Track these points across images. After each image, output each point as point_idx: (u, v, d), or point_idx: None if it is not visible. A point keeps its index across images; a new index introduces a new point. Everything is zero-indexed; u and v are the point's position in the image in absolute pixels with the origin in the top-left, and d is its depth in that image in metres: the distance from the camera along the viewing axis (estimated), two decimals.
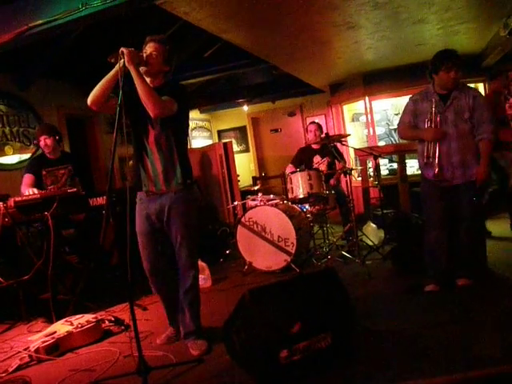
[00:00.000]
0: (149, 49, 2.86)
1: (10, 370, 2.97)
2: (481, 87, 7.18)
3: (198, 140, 9.54)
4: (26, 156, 5.73)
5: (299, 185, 4.83)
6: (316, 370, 2.45)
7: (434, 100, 3.46)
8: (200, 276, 4.16)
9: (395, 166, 6.52)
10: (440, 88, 3.49)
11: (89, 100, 2.80)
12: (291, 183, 4.92)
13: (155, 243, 3.02)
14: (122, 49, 2.63)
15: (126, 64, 2.63)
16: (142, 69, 2.77)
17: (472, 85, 7.17)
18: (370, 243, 5.10)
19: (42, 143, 4.46)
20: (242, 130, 10.09)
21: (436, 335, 2.76)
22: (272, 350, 2.36)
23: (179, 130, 3.02)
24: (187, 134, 3.15)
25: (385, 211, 5.57)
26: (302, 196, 4.83)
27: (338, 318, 2.60)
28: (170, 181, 2.94)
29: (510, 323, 2.84)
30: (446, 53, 3.45)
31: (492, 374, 2.22)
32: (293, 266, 4.63)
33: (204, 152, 7.11)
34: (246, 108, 9.53)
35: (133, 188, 3.05)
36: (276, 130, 9.83)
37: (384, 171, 7.34)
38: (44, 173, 4.44)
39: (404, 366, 2.43)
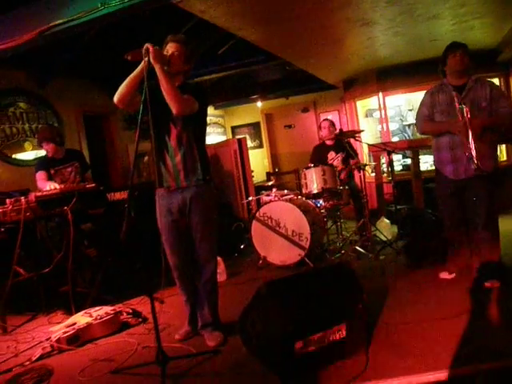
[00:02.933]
0: (170, 49, 2.91)
1: (33, 358, 3.09)
2: (496, 82, 7.14)
3: (212, 136, 9.61)
4: (42, 152, 5.83)
5: (313, 180, 4.87)
6: (330, 361, 2.50)
7: (448, 91, 3.48)
8: None
9: (409, 161, 6.52)
10: (452, 77, 3.52)
11: (115, 98, 2.85)
12: (305, 178, 4.96)
13: (180, 239, 3.07)
14: (148, 45, 2.68)
15: (152, 61, 2.67)
16: (164, 68, 2.81)
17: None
18: (384, 238, 5.13)
19: (44, 148, 4.59)
20: (255, 126, 10.13)
21: (448, 328, 2.80)
22: (287, 341, 2.42)
23: (199, 128, 3.10)
24: (205, 132, 3.21)
25: (398, 207, 5.59)
26: (316, 191, 4.87)
27: (352, 311, 2.65)
28: (191, 177, 3.00)
29: None
30: (450, 44, 3.56)
31: (501, 368, 2.27)
32: (307, 260, 4.68)
33: (218, 148, 7.17)
34: (259, 104, 9.57)
35: (153, 184, 3.11)
36: (289, 126, 9.86)
37: (398, 167, 7.35)
38: (52, 172, 4.56)
39: (416, 359, 2.47)
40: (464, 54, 3.44)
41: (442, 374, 2.30)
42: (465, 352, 2.46)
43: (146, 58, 2.67)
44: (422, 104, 3.70)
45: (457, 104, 3.39)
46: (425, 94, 3.70)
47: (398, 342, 2.72)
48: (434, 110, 3.59)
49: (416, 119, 3.79)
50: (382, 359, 2.52)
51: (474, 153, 3.29)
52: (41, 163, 4.64)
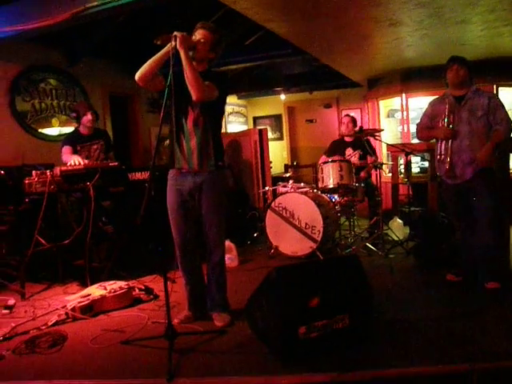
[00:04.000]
0: (198, 35, 3.00)
1: (49, 323, 3.24)
2: None
3: (234, 125, 9.70)
4: (67, 129, 6.00)
5: (330, 175, 4.93)
6: (332, 348, 2.60)
7: (448, 101, 3.63)
8: (227, 256, 4.36)
9: (426, 164, 6.53)
10: (452, 88, 3.66)
11: (136, 76, 2.95)
12: (322, 173, 5.03)
13: (186, 219, 3.15)
14: (176, 33, 2.78)
15: (178, 47, 2.76)
16: (190, 53, 2.89)
17: None
18: (395, 238, 5.18)
19: (86, 118, 4.70)
20: (277, 118, 10.19)
21: (451, 327, 2.88)
22: (291, 325, 2.52)
23: (216, 115, 3.18)
24: (222, 119, 3.29)
25: (412, 209, 5.63)
26: (331, 186, 4.93)
27: (357, 302, 2.74)
28: (203, 161, 3.07)
29: None
30: (450, 57, 3.67)
31: (495, 369, 2.34)
32: (317, 253, 4.76)
33: (239, 137, 7.25)
34: (282, 97, 9.62)
35: (167, 165, 3.20)
36: (311, 121, 9.90)
37: (415, 169, 7.35)
38: (78, 148, 4.69)
39: (415, 353, 2.56)
40: (460, 67, 3.57)
41: (438, 369, 2.38)
42: (463, 351, 2.54)
43: (173, 43, 2.76)
44: (423, 114, 3.89)
45: (445, 123, 3.59)
46: (428, 105, 3.90)
47: (398, 337, 2.80)
48: (434, 120, 3.74)
49: (416, 125, 3.97)
50: (382, 351, 2.61)
51: (448, 159, 3.58)
52: (68, 138, 4.80)
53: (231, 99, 9.65)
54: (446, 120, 3.59)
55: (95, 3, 3.49)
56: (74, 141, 4.72)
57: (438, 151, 3.73)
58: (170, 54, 2.77)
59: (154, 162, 2.67)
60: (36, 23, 4.09)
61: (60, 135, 5.92)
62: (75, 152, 4.64)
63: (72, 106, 6.07)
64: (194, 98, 2.90)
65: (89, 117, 4.70)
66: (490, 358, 2.42)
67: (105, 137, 4.96)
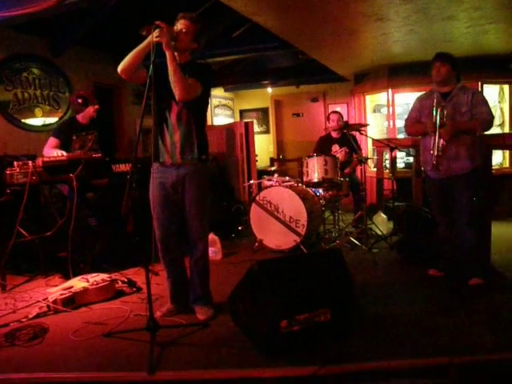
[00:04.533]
0: (179, 25, 2.96)
1: (30, 316, 3.21)
2: (506, 89, 7.18)
3: (220, 118, 9.66)
4: (52, 120, 5.91)
5: (314, 169, 4.94)
6: (314, 342, 2.61)
7: (435, 96, 3.67)
8: (211, 249, 4.35)
9: (412, 159, 6.57)
10: (435, 85, 3.72)
11: (119, 68, 2.93)
12: (307, 167, 5.04)
13: (168, 212, 3.13)
14: (157, 22, 2.75)
15: (159, 37, 2.73)
16: (171, 43, 2.84)
17: (497, 86, 7.21)
18: (379, 232, 5.22)
19: (93, 108, 4.59)
20: (264, 112, 10.17)
21: (432, 321, 2.92)
22: (273, 319, 2.53)
23: (200, 108, 3.16)
24: (207, 111, 3.27)
25: (396, 203, 5.67)
26: (316, 180, 4.94)
27: (339, 296, 2.76)
28: (187, 154, 3.06)
29: (501, 316, 2.98)
30: (435, 54, 3.72)
31: (474, 362, 2.37)
32: (301, 247, 4.78)
33: (225, 130, 7.23)
34: (269, 90, 9.60)
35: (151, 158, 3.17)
36: (298, 115, 9.90)
37: (400, 164, 7.41)
38: (74, 137, 4.56)
39: (397, 347, 2.59)
40: (442, 64, 3.62)
41: (418, 362, 2.41)
42: (443, 344, 2.57)
43: (154, 34, 2.72)
44: (411, 108, 3.94)
45: (433, 109, 3.59)
46: (415, 100, 3.95)
47: (380, 330, 2.83)
48: (422, 114, 3.79)
49: (405, 120, 4.01)
50: (364, 344, 2.63)
51: (435, 152, 3.57)
52: (61, 129, 4.64)
53: (218, 92, 9.61)
54: (434, 114, 3.61)
55: None
56: (69, 130, 4.55)
57: (424, 146, 3.76)
58: (151, 45, 2.74)
59: (135, 154, 2.65)
60: (21, 9, 4.01)
61: (44, 125, 5.83)
62: (69, 142, 4.49)
63: (56, 96, 6.00)
64: (177, 98, 2.89)
65: (96, 107, 4.60)
66: (470, 352, 2.45)
67: (98, 127, 4.86)
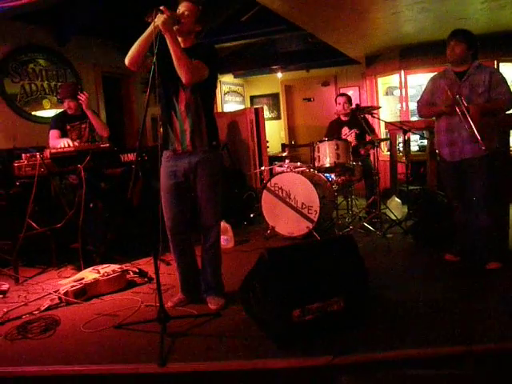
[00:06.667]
0: (182, 8, 2.90)
1: (42, 308, 3.21)
2: None
3: (230, 104, 9.57)
4: (60, 111, 5.87)
5: (326, 154, 4.85)
6: (327, 331, 2.56)
7: (449, 76, 3.55)
8: (223, 237, 4.32)
9: (426, 142, 6.44)
10: (452, 64, 3.57)
11: (126, 60, 2.87)
12: (318, 152, 4.94)
13: (179, 201, 3.08)
14: (160, 7, 2.67)
15: (160, 25, 2.66)
16: (175, 27, 2.79)
17: None
18: (393, 217, 5.12)
19: (65, 105, 4.62)
20: (274, 97, 10.05)
21: (449, 308, 2.83)
22: (285, 308, 2.47)
23: (208, 93, 3.09)
24: (215, 97, 3.20)
25: (411, 187, 5.57)
26: (328, 165, 4.85)
27: (352, 284, 2.69)
28: (196, 141, 3.01)
29: None
30: (451, 32, 3.56)
31: (492, 350, 2.30)
32: (314, 233, 4.71)
33: (235, 116, 7.16)
34: (279, 75, 9.48)
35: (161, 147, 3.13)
36: (309, 99, 9.77)
37: (414, 147, 7.26)
38: (68, 127, 4.60)
39: (413, 335, 2.51)
40: (457, 43, 3.47)
41: (435, 351, 2.34)
42: (459, 332, 2.49)
43: (156, 19, 2.65)
44: (424, 90, 3.80)
45: (451, 95, 3.39)
46: (428, 81, 3.80)
47: (395, 318, 2.75)
48: (435, 95, 3.65)
49: (417, 102, 3.88)
50: (378, 333, 2.57)
51: (476, 133, 3.27)
52: (56, 121, 4.68)
53: (227, 78, 9.51)
54: (457, 101, 3.41)
55: None
56: (63, 121, 4.61)
57: (438, 128, 3.65)
58: (154, 33, 2.67)
59: (140, 142, 2.60)
60: None
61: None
62: (64, 132, 4.55)
63: None
64: (183, 81, 2.82)
65: (66, 105, 4.62)
66: (488, 340, 2.38)
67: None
